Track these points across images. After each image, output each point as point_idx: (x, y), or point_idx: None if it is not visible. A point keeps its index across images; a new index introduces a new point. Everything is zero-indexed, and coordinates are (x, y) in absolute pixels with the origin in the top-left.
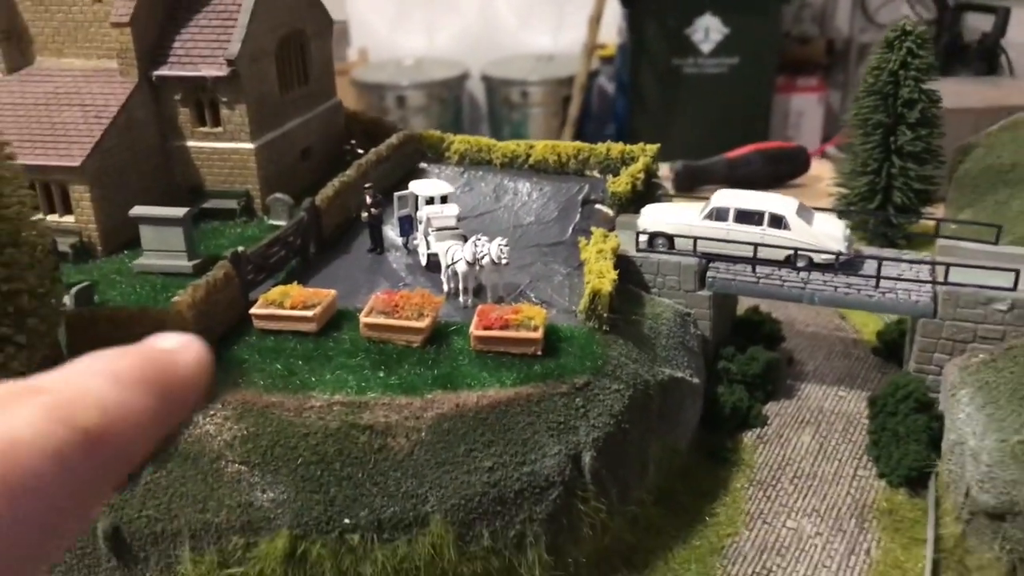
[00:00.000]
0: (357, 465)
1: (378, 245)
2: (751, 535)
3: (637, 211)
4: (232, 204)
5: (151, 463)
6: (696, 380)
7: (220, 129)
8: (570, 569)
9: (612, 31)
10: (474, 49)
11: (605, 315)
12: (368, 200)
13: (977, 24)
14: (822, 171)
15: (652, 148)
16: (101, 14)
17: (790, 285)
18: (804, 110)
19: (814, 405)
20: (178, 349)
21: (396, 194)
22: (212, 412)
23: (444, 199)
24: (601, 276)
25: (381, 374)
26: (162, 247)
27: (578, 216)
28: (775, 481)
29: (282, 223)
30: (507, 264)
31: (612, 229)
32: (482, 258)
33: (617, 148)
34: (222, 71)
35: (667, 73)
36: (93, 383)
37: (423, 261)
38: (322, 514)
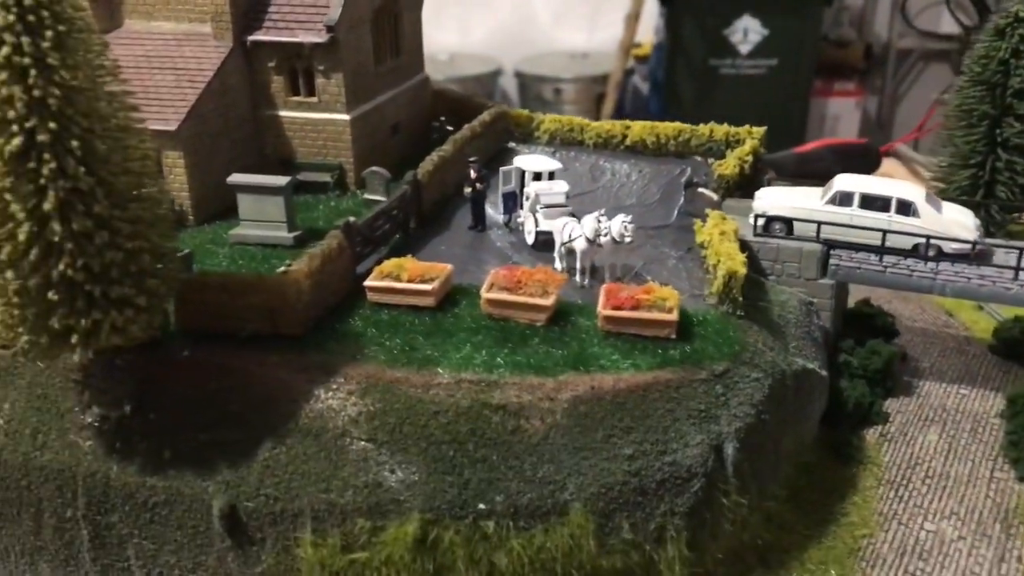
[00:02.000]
0: (491, 447)
1: (480, 222)
2: (887, 536)
3: (744, 195)
4: (325, 177)
5: (270, 438)
6: (824, 373)
7: (315, 99)
8: (708, 566)
9: (647, 30)
10: (508, 45)
11: (740, 299)
12: (472, 174)
13: None
14: (892, 168)
15: (759, 131)
16: None
17: (919, 275)
18: (840, 114)
19: (936, 403)
20: None
21: (502, 169)
22: (334, 386)
23: (551, 175)
24: (731, 257)
25: (506, 352)
26: (261, 217)
27: (681, 199)
28: (906, 481)
29: (379, 198)
30: (631, 243)
31: None
32: (604, 235)
33: (721, 130)
34: (321, 37)
35: (704, 73)
36: None
37: (529, 239)
38: (456, 498)
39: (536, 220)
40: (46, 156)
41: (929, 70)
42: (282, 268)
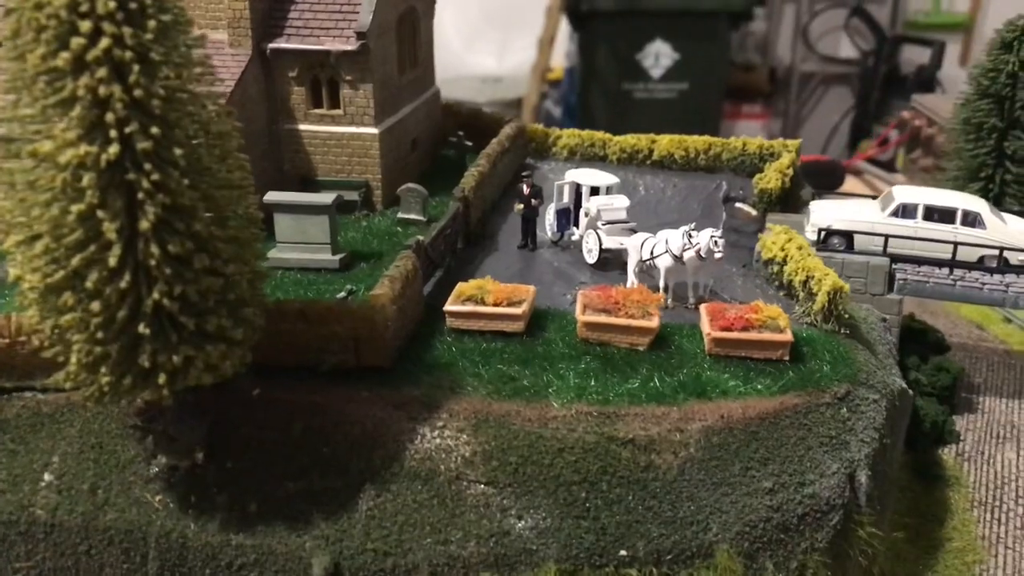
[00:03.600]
0: (625, 486)
1: (531, 240)
2: (998, 562)
3: (784, 210)
4: (352, 195)
5: (372, 484)
6: (911, 392)
7: (339, 111)
8: None
9: (559, 55)
10: None
11: (847, 316)
12: (526, 190)
13: (913, 57)
14: (855, 186)
15: (795, 143)
16: None
17: (990, 288)
18: (749, 136)
19: (1003, 419)
20: None
21: (556, 183)
22: (440, 423)
23: (609, 189)
24: (826, 272)
25: (617, 380)
26: (301, 239)
27: (724, 214)
28: (998, 503)
29: (416, 217)
30: (720, 258)
31: (760, 230)
32: (690, 250)
33: (754, 143)
34: (350, 45)
35: (617, 97)
36: None
37: (591, 258)
38: (594, 545)
39: (599, 237)
40: (147, 166)
41: (830, 93)
42: (342, 294)
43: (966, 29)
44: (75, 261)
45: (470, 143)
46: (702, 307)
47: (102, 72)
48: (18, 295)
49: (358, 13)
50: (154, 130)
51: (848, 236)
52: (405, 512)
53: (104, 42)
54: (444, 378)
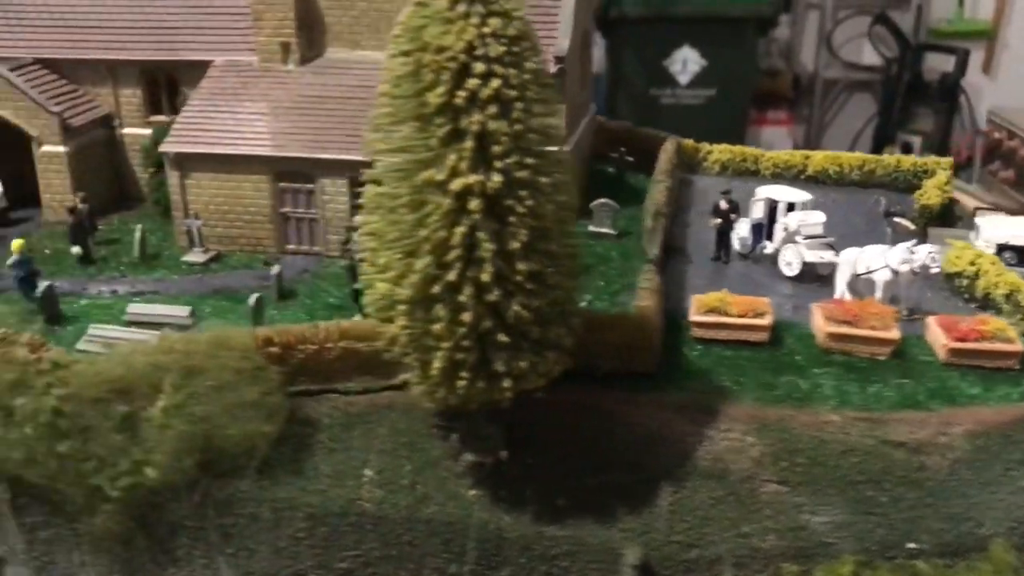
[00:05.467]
0: (904, 485)
1: (725, 253)
2: None
3: (942, 225)
4: None
5: (667, 481)
6: None
7: None
8: None
9: None
10: None
11: None
12: (724, 205)
13: (936, 64)
14: None
15: (947, 161)
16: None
17: None
18: (774, 142)
19: None
20: None
21: (752, 200)
22: (723, 426)
23: (804, 205)
24: None
25: (872, 388)
26: None
27: (889, 229)
28: None
29: (606, 230)
30: (937, 272)
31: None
32: (907, 264)
33: (908, 161)
34: (550, 68)
35: (644, 103)
36: None
37: (789, 271)
38: (884, 538)
39: (800, 252)
40: (522, 193)
41: (853, 100)
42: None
43: (989, 37)
44: (451, 276)
45: (631, 159)
46: (931, 319)
47: (492, 109)
48: (370, 304)
49: (555, 38)
50: (529, 160)
51: (1021, 251)
52: (703, 508)
53: (495, 83)
54: (707, 384)
